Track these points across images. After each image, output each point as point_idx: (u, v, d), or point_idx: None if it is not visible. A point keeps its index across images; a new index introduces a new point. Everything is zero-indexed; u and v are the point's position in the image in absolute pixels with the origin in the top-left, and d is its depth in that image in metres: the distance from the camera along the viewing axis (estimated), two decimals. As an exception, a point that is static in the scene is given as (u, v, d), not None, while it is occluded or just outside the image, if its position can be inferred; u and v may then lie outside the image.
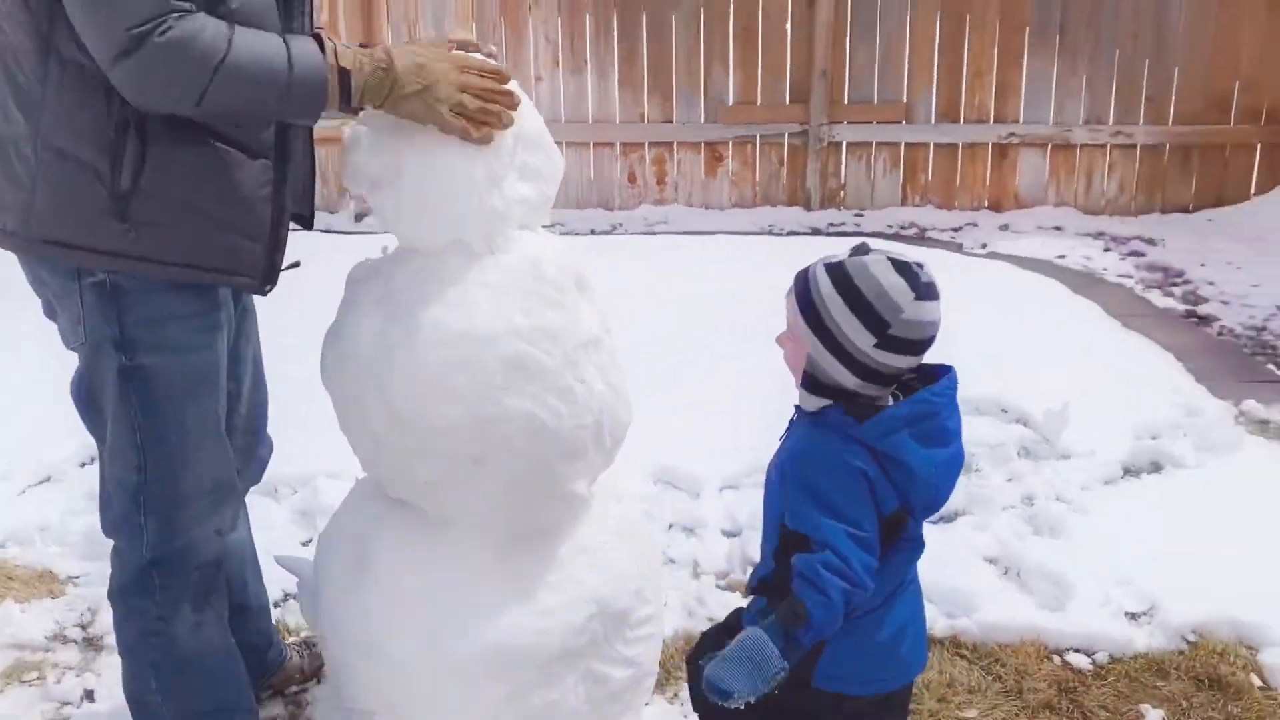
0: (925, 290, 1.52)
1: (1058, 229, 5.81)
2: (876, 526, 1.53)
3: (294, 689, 2.33)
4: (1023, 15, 5.88)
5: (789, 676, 1.45)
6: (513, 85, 1.77)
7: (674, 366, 3.54)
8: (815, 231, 5.89)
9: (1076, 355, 3.74)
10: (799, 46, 6.01)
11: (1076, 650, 2.34)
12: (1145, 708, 2.15)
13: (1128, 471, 3.08)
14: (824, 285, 1.55)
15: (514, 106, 1.71)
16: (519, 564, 1.88)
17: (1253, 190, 6.01)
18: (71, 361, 1.80)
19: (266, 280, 1.75)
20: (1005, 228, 5.86)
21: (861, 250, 1.58)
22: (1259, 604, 2.39)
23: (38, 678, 2.34)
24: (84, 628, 2.52)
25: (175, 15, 1.46)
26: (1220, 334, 4.32)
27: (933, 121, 6.09)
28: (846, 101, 6.08)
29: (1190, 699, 2.18)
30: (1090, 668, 2.30)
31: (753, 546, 2.72)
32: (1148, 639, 2.35)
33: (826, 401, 1.58)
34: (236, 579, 2.10)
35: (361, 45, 1.67)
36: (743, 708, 1.43)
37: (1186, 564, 2.55)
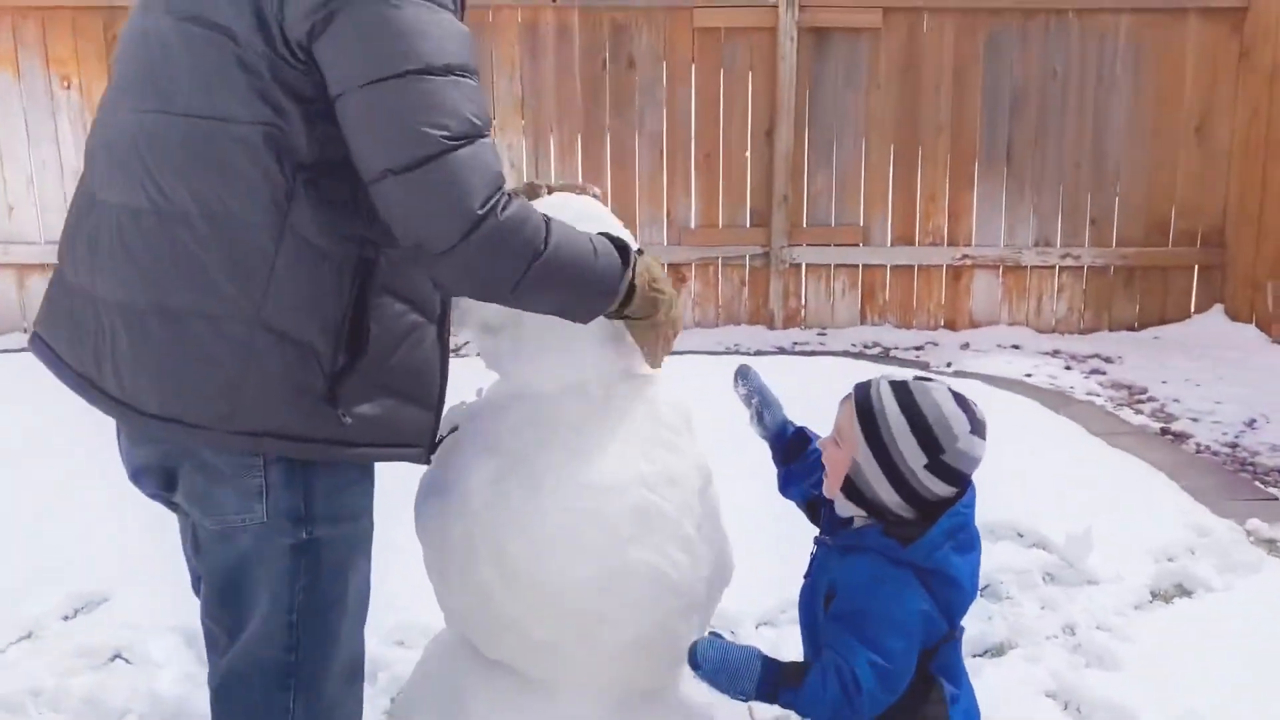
0: (978, 426, 1.63)
1: (1016, 347, 5.97)
2: (913, 660, 1.57)
3: None
4: (971, 145, 6.14)
5: None
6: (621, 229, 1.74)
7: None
8: (781, 350, 5.95)
9: (1076, 476, 3.78)
10: (759, 173, 6.16)
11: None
12: None
13: (1155, 595, 3.09)
14: (887, 400, 1.62)
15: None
16: (627, 729, 1.77)
17: (1192, 309, 6.29)
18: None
19: (431, 450, 1.65)
20: (966, 346, 5.99)
21: (924, 379, 1.67)
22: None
23: None
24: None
25: (506, 194, 1.43)
26: (1198, 451, 4.44)
27: (889, 244, 6.26)
28: (805, 225, 6.22)
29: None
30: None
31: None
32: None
33: (860, 512, 1.64)
34: None
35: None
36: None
37: (1246, 692, 2.53)
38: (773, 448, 1.90)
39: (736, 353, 5.88)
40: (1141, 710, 2.47)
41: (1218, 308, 6.21)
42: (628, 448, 1.68)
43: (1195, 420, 4.77)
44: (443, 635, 1.98)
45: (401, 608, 2.48)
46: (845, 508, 1.67)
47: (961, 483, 1.63)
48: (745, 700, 1.56)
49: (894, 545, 1.60)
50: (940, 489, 1.61)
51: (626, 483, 1.65)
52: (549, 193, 1.79)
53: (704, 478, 1.77)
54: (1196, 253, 6.22)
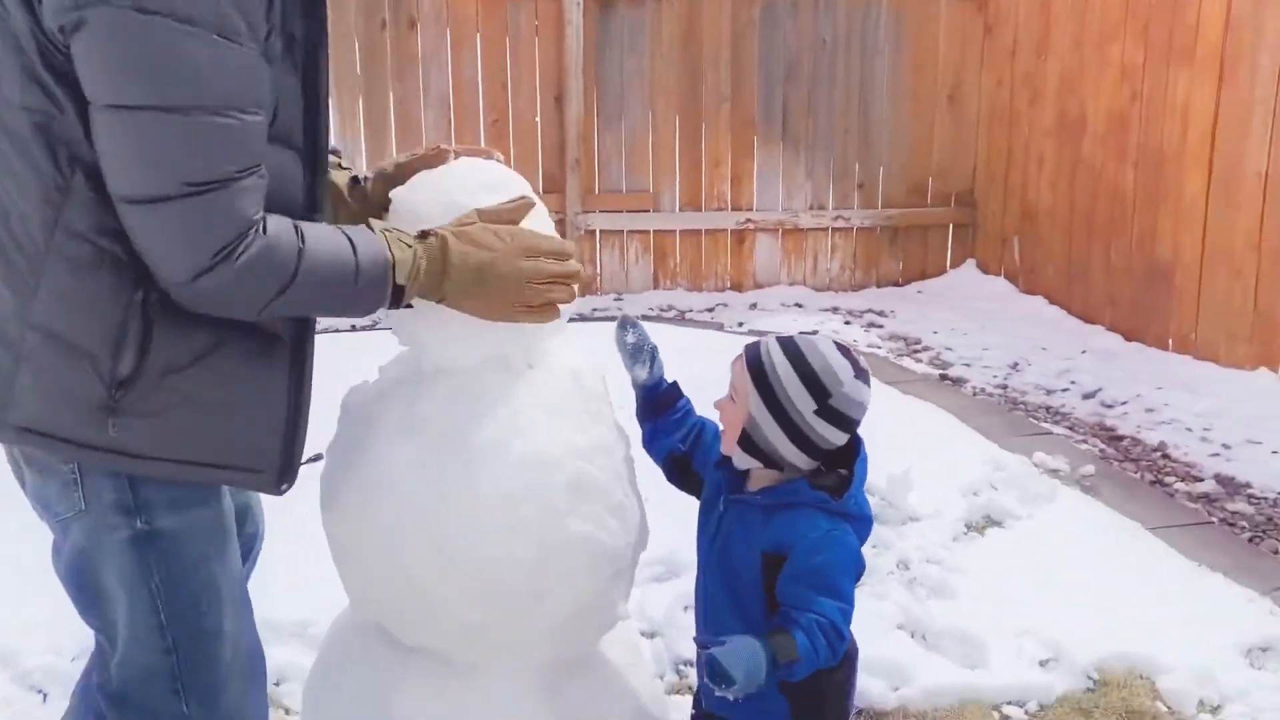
0: (862, 373, 1.70)
1: (799, 305, 6.29)
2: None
3: None
4: (750, 113, 6.37)
5: None
6: (528, 192, 1.70)
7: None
8: (581, 317, 5.96)
9: (883, 423, 4.02)
10: (550, 138, 6.14)
11: (1009, 703, 2.51)
12: (1089, 747, 2.35)
13: (969, 528, 3.36)
14: (775, 354, 1.69)
15: (577, 283, 1.61)
16: (558, 707, 1.75)
17: (948, 264, 6.83)
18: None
19: (282, 478, 1.51)
20: (754, 306, 6.25)
21: (809, 334, 1.75)
22: (1139, 637, 2.69)
23: None
24: None
25: (255, 229, 1.32)
26: (975, 394, 4.85)
27: (678, 210, 6.41)
28: (597, 191, 6.27)
29: (1119, 732, 2.41)
30: (1027, 717, 2.47)
31: (678, 644, 2.70)
32: (1061, 682, 2.57)
33: (757, 463, 1.70)
34: None
35: (422, 233, 1.51)
36: (731, 699, 1.49)
37: (1067, 608, 2.82)
38: (645, 400, 1.90)
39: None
40: (984, 633, 2.71)
41: (970, 262, 6.78)
42: (559, 419, 1.65)
43: (968, 366, 5.20)
44: (343, 624, 1.88)
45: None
46: (743, 461, 1.72)
47: (851, 428, 1.70)
48: (763, 688, 1.51)
49: (826, 498, 1.66)
50: (832, 435, 1.67)
51: (560, 455, 1.62)
52: (455, 158, 1.72)
53: (625, 443, 1.78)
54: (951, 212, 6.75)
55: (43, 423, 1.36)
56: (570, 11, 5.94)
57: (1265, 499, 3.75)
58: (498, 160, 1.76)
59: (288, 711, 2.40)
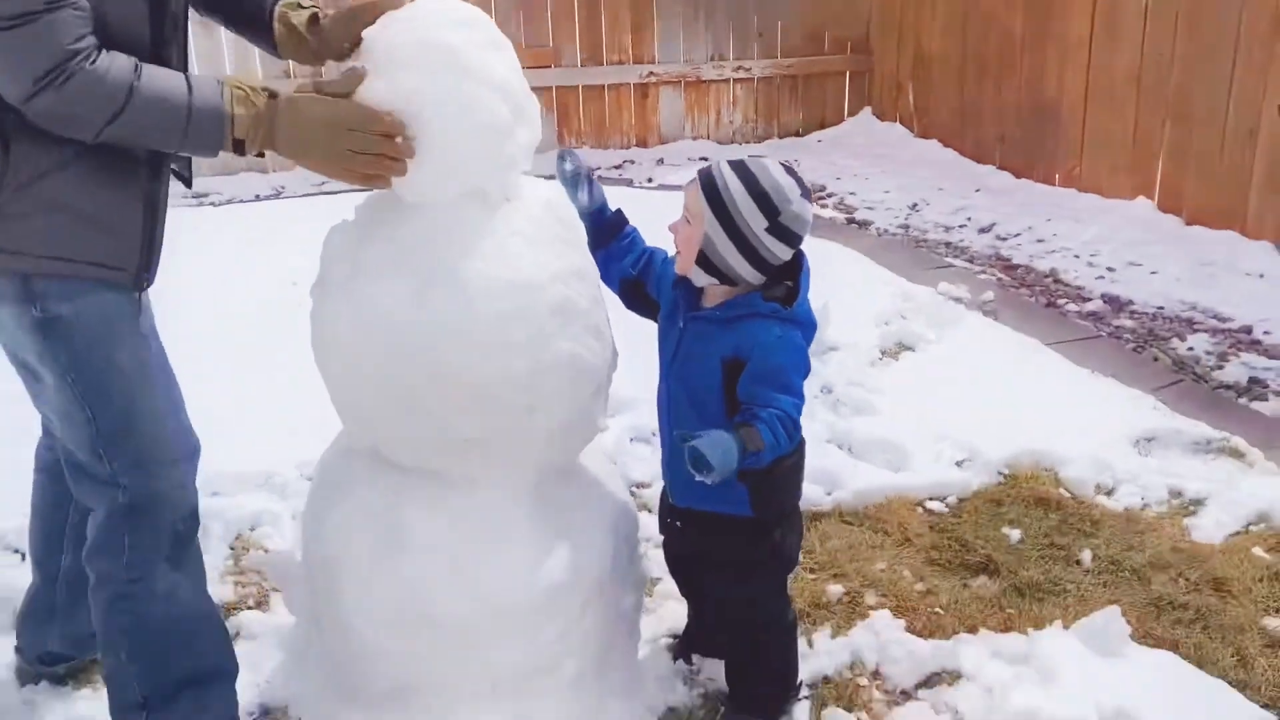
0: (806, 192, 1.83)
1: (704, 159, 6.38)
2: None
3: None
4: (649, -38, 6.33)
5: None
6: (493, 30, 1.76)
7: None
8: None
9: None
10: (445, -5, 5.99)
11: (931, 499, 2.78)
12: (1005, 529, 2.64)
13: (884, 354, 3.61)
14: (729, 176, 1.81)
15: (401, 158, 1.67)
16: (547, 510, 1.91)
17: (845, 113, 7.00)
18: None
19: (143, 273, 1.68)
20: (661, 161, 6.34)
21: (758, 156, 1.86)
22: (1042, 436, 2.98)
23: None
24: None
25: (77, 60, 1.46)
26: (880, 234, 5.08)
27: (579, 65, 6.39)
28: (498, 49, 6.18)
29: (1029, 515, 2.70)
30: (947, 509, 2.75)
31: (631, 470, 2.89)
32: (977, 479, 2.85)
33: (714, 281, 1.83)
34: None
35: (265, 89, 1.60)
36: (708, 483, 1.66)
37: (977, 415, 3.09)
38: (593, 228, 2.00)
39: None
40: (905, 441, 2.96)
41: (867, 110, 6.96)
42: (539, 248, 1.76)
43: (871, 209, 5.43)
44: (337, 453, 1.99)
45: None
46: (700, 278, 1.84)
47: (796, 243, 1.83)
48: (732, 475, 1.67)
49: (778, 308, 1.83)
50: (780, 250, 1.81)
51: (545, 281, 1.74)
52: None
53: (595, 269, 1.90)
54: (847, 60, 6.89)
55: None
56: None
57: (1146, 314, 4.09)
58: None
59: (266, 550, 2.52)
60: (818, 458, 2.76)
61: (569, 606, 1.90)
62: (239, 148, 1.59)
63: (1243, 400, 3.39)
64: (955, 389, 3.28)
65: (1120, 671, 2.08)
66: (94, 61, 1.47)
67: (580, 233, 1.87)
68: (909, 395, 3.27)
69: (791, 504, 2.00)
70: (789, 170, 1.84)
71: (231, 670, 1.90)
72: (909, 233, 5.09)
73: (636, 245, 2.04)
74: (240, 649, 2.22)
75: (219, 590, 2.40)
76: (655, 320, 2.02)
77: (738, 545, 1.92)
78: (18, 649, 2.09)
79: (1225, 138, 4.68)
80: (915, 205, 5.45)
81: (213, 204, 5.34)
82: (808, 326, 1.88)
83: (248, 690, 2.10)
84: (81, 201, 1.58)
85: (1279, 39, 4.39)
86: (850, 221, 5.25)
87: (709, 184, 1.81)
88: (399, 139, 1.65)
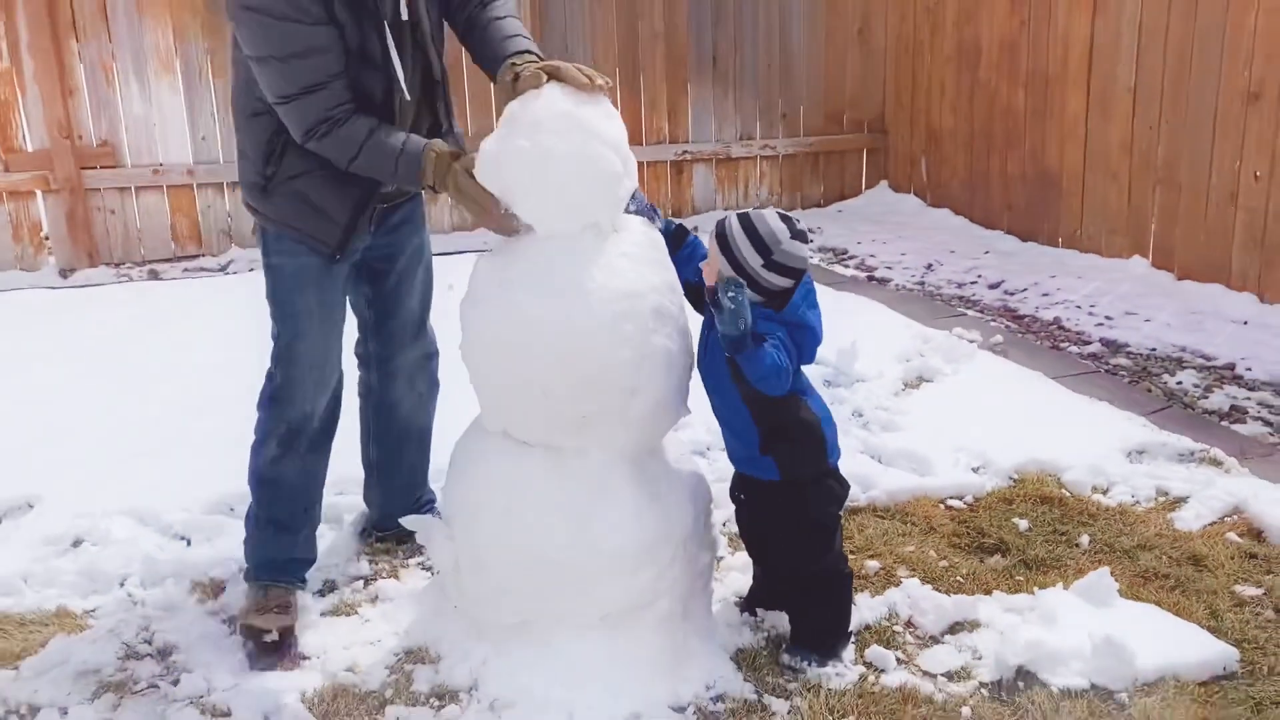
0: (799, 234, 2.33)
1: (735, 227, 6.96)
2: (792, 371, 2.32)
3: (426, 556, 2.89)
4: (683, 52, 6.98)
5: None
6: (602, 88, 2.30)
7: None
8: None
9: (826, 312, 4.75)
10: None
11: (952, 498, 3.25)
12: (1016, 520, 3.10)
13: (906, 385, 4.10)
14: (733, 225, 2.34)
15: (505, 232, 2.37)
16: (643, 476, 2.40)
17: (864, 185, 7.59)
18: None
19: (339, 250, 2.54)
20: (696, 229, 6.87)
21: (760, 207, 2.38)
22: (1046, 447, 3.45)
23: (148, 687, 2.43)
24: (149, 641, 2.59)
25: (329, 123, 2.32)
26: (898, 289, 5.60)
27: (621, 143, 6.99)
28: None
29: (1036, 510, 3.15)
30: (965, 506, 3.21)
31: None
32: (990, 482, 3.32)
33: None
34: (389, 441, 2.96)
35: (451, 153, 2.34)
36: (734, 306, 2.11)
37: (989, 431, 3.56)
38: (667, 240, 2.52)
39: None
40: (927, 452, 3.43)
41: (883, 183, 7.54)
42: (641, 266, 2.27)
43: (889, 269, 5.96)
44: (472, 435, 2.48)
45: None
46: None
47: (795, 275, 2.33)
48: (737, 333, 2.13)
49: (771, 311, 2.31)
50: (778, 280, 2.31)
51: (645, 290, 2.25)
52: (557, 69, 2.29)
53: (679, 284, 2.42)
54: (864, 138, 7.49)
55: (247, 196, 2.57)
56: (516, -38, 6.44)
57: (1140, 354, 4.57)
58: (600, 85, 2.32)
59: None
60: (853, 466, 3.25)
61: (661, 555, 2.37)
62: (430, 189, 2.33)
63: (1224, 423, 3.85)
64: (969, 411, 3.76)
65: (1109, 616, 2.53)
66: (342, 125, 2.33)
67: (667, 256, 2.39)
68: (929, 416, 3.75)
69: (814, 472, 2.44)
70: (783, 218, 2.34)
71: (309, 534, 2.75)
72: (924, 288, 5.61)
73: (696, 254, 2.54)
74: (379, 609, 2.72)
75: (357, 566, 2.89)
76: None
77: (780, 508, 2.41)
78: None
79: (1209, 202, 5.21)
80: (930, 265, 5.98)
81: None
82: (799, 328, 2.35)
83: (389, 639, 2.58)
84: (314, 197, 2.47)
85: (1251, 112, 4.94)
86: (870, 279, 5.78)
87: (720, 232, 2.35)
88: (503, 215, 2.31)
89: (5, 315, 5.10)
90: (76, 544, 3.01)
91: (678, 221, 2.60)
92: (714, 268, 2.34)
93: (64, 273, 6.11)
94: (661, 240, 2.42)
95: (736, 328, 2.14)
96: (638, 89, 6.95)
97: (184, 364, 4.29)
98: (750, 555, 2.66)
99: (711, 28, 7.02)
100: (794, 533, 2.43)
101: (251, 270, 5.83)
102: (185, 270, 6.22)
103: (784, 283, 2.33)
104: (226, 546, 2.94)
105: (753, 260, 2.29)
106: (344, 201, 2.48)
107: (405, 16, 2.43)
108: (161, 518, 3.10)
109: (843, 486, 2.51)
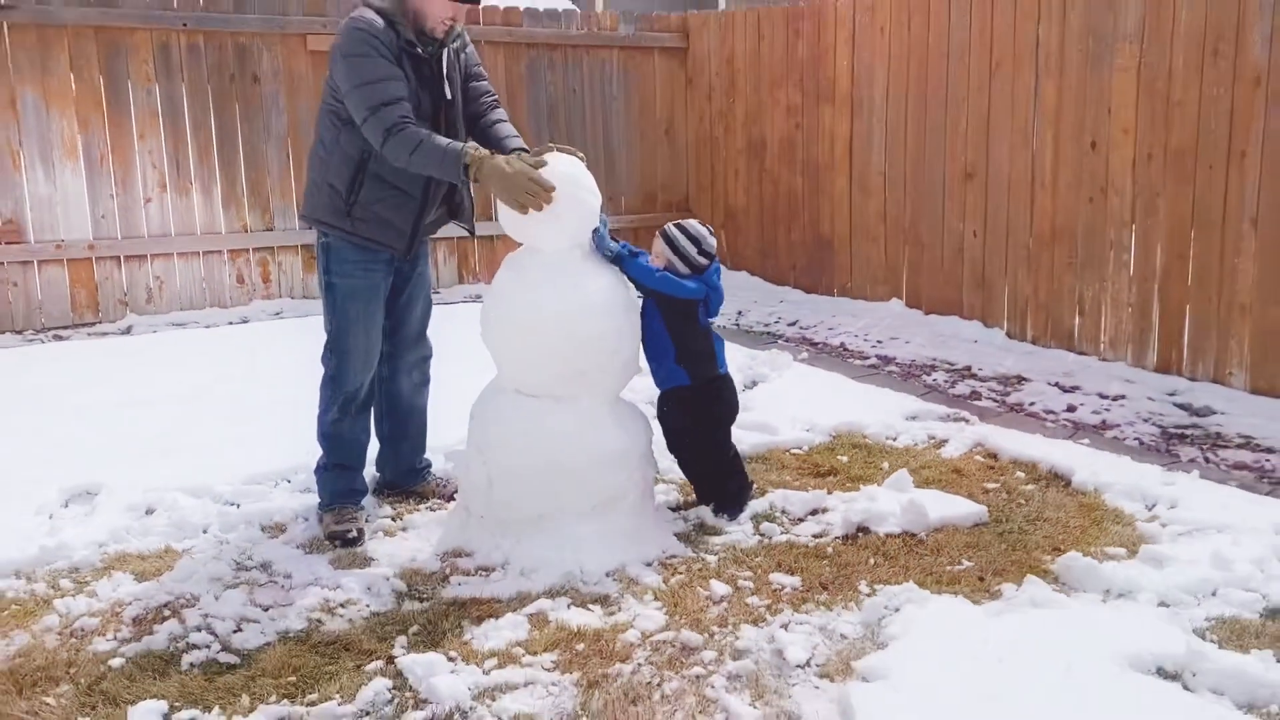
0: (712, 234, 3.78)
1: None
2: (697, 300, 3.70)
3: (431, 502, 3.92)
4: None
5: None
6: (579, 162, 3.53)
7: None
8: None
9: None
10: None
11: (794, 448, 4.57)
12: (840, 457, 4.45)
13: (746, 385, 5.46)
14: (674, 230, 3.74)
15: (549, 201, 3.36)
16: (617, 411, 3.59)
17: (674, 255, 9.07)
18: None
19: (406, 253, 3.66)
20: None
21: (686, 219, 3.78)
22: (851, 415, 4.85)
23: (268, 582, 3.34)
24: (251, 558, 3.50)
25: (398, 127, 3.34)
26: (722, 329, 7.00)
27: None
28: (411, 208, 7.91)
29: (850, 453, 4.52)
30: (803, 452, 4.54)
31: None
32: (817, 438, 4.67)
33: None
34: (397, 418, 3.98)
35: (489, 152, 3.41)
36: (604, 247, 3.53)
37: (811, 407, 4.94)
38: (613, 260, 3.74)
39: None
40: (771, 420, 4.76)
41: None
42: (612, 274, 3.49)
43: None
44: (488, 394, 3.58)
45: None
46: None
47: (710, 258, 3.73)
48: (613, 255, 3.53)
49: (697, 277, 3.69)
50: (703, 260, 3.71)
51: (620, 284, 3.47)
52: (552, 150, 3.49)
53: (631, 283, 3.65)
54: (674, 215, 8.96)
55: (329, 218, 3.58)
56: (384, 68, 7.58)
57: (905, 363, 6.15)
58: (579, 157, 3.54)
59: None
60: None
61: (630, 461, 3.55)
62: (468, 173, 3.34)
63: (967, 400, 5.42)
64: (795, 396, 5.15)
65: (909, 496, 3.90)
66: (407, 129, 3.33)
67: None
68: (768, 401, 5.10)
69: (711, 374, 3.76)
70: (703, 224, 3.74)
71: (361, 474, 3.82)
72: (740, 327, 7.07)
73: (636, 263, 3.79)
74: (413, 532, 3.73)
75: (383, 510, 3.90)
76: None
77: (693, 405, 3.71)
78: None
79: (943, 255, 6.95)
80: (740, 312, 7.47)
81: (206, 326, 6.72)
82: (710, 287, 3.73)
83: (429, 546, 3.60)
84: (386, 214, 3.55)
85: (969, 186, 6.73)
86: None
87: (667, 235, 3.70)
88: (547, 192, 3.34)
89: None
90: (150, 512, 3.84)
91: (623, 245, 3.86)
92: (663, 258, 3.67)
93: (-31, 339, 6.61)
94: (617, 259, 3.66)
95: (611, 252, 3.52)
96: (487, 174, 8.17)
97: (161, 394, 5.11)
98: (671, 452, 3.88)
99: (547, 125, 8.37)
100: (705, 424, 3.71)
101: (154, 332, 6.63)
102: (89, 334, 6.84)
103: (705, 262, 3.69)
104: (274, 505, 3.87)
105: (689, 248, 3.67)
106: (406, 218, 3.59)
107: (449, 96, 3.60)
108: (212, 489, 3.98)
109: (732, 394, 3.81)
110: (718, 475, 3.79)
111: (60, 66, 6.74)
